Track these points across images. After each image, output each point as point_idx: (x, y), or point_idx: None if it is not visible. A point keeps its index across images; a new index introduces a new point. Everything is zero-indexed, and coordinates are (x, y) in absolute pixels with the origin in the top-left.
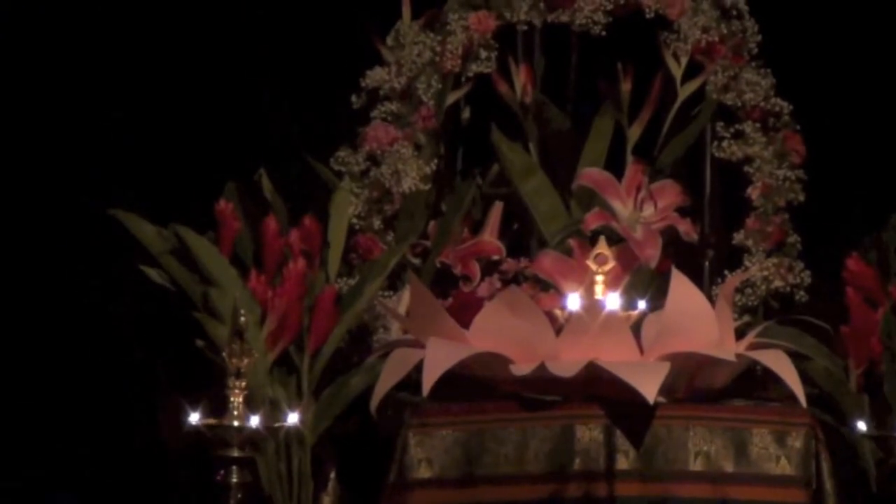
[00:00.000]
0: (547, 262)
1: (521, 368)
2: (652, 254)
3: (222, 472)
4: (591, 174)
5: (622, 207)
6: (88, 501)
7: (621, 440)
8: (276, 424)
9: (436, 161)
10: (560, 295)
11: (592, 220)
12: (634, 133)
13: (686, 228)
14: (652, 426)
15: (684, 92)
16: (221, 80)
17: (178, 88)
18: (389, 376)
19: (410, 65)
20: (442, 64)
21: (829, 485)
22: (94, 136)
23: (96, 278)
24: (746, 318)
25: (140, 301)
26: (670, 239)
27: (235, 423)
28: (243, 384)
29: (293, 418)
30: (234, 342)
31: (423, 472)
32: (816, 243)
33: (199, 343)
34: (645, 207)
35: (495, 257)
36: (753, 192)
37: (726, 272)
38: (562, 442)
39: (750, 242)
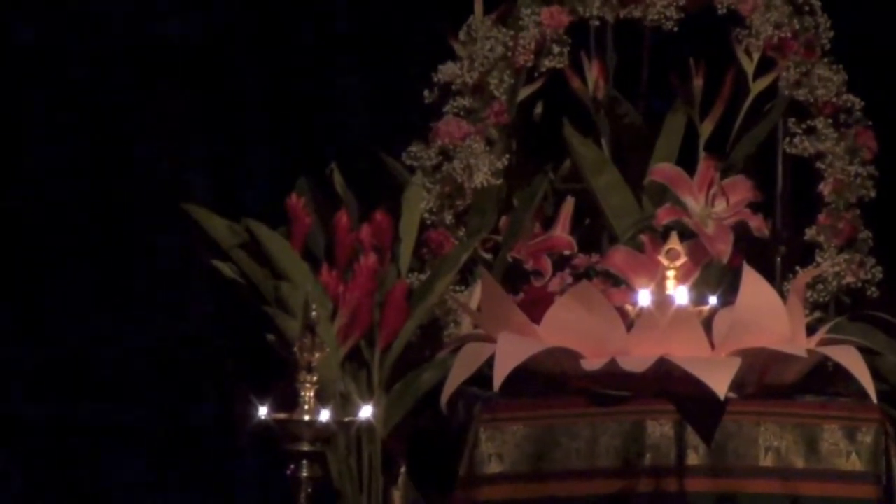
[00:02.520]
0: (618, 257)
1: (592, 364)
2: (723, 249)
3: (292, 466)
4: (662, 170)
5: (694, 203)
6: (158, 496)
7: (692, 436)
8: (347, 419)
9: (507, 156)
10: (631, 290)
11: (664, 216)
12: (706, 129)
13: (757, 224)
14: (722, 422)
15: (756, 88)
16: (295, 74)
17: (251, 83)
18: (460, 371)
19: (483, 60)
20: (514, 59)
21: None
22: (166, 130)
23: (170, 273)
24: (817, 314)
25: (211, 296)
26: (742, 234)
27: (306, 418)
28: (314, 378)
29: (365, 413)
30: (305, 337)
31: (494, 467)
32: (888, 239)
33: (270, 337)
34: (717, 203)
35: (567, 252)
36: (825, 188)
37: (797, 268)
38: (632, 437)
39: (821, 238)
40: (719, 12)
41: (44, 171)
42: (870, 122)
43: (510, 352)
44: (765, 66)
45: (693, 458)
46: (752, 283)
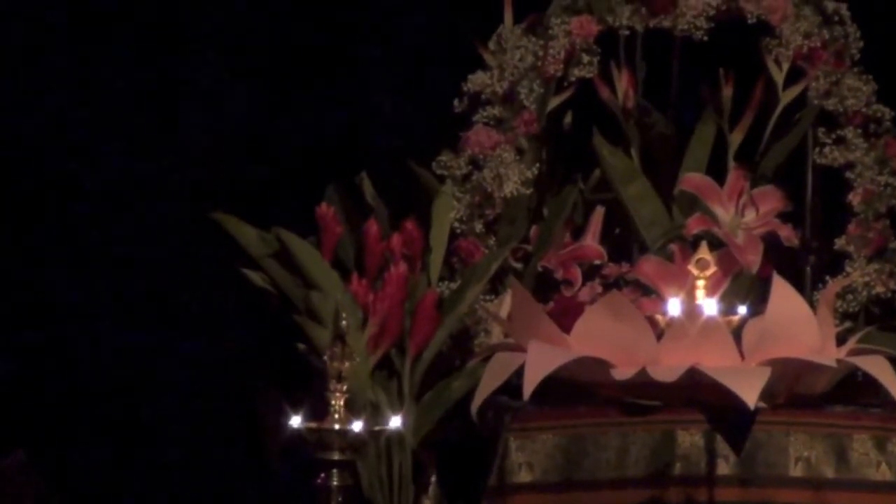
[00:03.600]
0: (648, 266)
1: (622, 373)
2: (753, 259)
3: (323, 475)
4: (692, 179)
5: (724, 213)
6: (187, 503)
7: (722, 445)
8: (378, 428)
9: (538, 165)
10: (661, 300)
11: (694, 225)
12: (736, 138)
13: (787, 234)
14: (752, 431)
15: (786, 97)
16: (324, 83)
17: (281, 91)
18: (490, 380)
19: (512, 69)
20: (544, 68)
21: None
22: (197, 139)
23: (200, 281)
24: (847, 324)
25: (242, 304)
26: (771, 244)
27: (336, 427)
28: (344, 387)
29: (395, 422)
30: (335, 345)
31: (524, 477)
32: None
33: (301, 346)
34: (746, 213)
35: (597, 262)
36: (854, 198)
37: (827, 278)
38: (662, 447)
39: (851, 248)
40: (749, 22)
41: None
42: None
43: (540, 361)
44: (794, 75)
45: (723, 468)
46: (782, 293)
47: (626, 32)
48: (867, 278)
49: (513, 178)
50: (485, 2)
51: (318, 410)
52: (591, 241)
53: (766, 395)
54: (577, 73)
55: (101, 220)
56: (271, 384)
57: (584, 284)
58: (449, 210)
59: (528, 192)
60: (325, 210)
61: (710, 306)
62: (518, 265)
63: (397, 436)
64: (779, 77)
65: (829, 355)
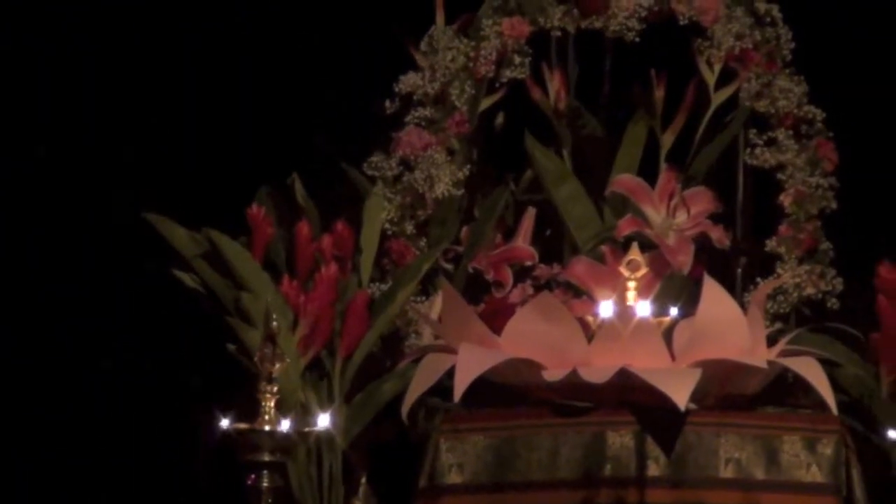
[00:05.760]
0: (579, 268)
1: (553, 374)
2: (684, 260)
3: (253, 476)
4: (624, 181)
5: (655, 214)
6: None
7: (652, 447)
8: (308, 429)
9: (469, 166)
10: (592, 301)
11: (625, 227)
12: (667, 140)
13: (718, 235)
14: (683, 433)
15: (717, 99)
16: (255, 84)
17: (211, 92)
18: (421, 381)
19: (444, 70)
20: (475, 69)
21: (858, 492)
22: (128, 140)
23: (129, 282)
24: (778, 325)
25: (172, 305)
26: (702, 246)
27: (267, 428)
28: (275, 389)
29: (323, 421)
30: (266, 347)
31: (454, 478)
32: (848, 251)
33: (231, 347)
34: (677, 214)
35: (528, 263)
36: (786, 200)
37: (758, 279)
38: (593, 448)
39: (782, 249)
40: (681, 23)
41: None
42: (830, 134)
43: (471, 362)
44: (726, 77)
45: (653, 470)
46: (713, 294)
47: (558, 33)
48: (798, 279)
49: (444, 178)
50: (416, 3)
51: (249, 412)
52: (523, 243)
53: (697, 396)
54: (508, 74)
55: (28, 217)
56: (202, 385)
57: (515, 286)
58: (380, 211)
59: (460, 192)
60: (256, 211)
61: (641, 308)
62: (449, 266)
63: (327, 437)
64: (710, 78)
65: (760, 357)
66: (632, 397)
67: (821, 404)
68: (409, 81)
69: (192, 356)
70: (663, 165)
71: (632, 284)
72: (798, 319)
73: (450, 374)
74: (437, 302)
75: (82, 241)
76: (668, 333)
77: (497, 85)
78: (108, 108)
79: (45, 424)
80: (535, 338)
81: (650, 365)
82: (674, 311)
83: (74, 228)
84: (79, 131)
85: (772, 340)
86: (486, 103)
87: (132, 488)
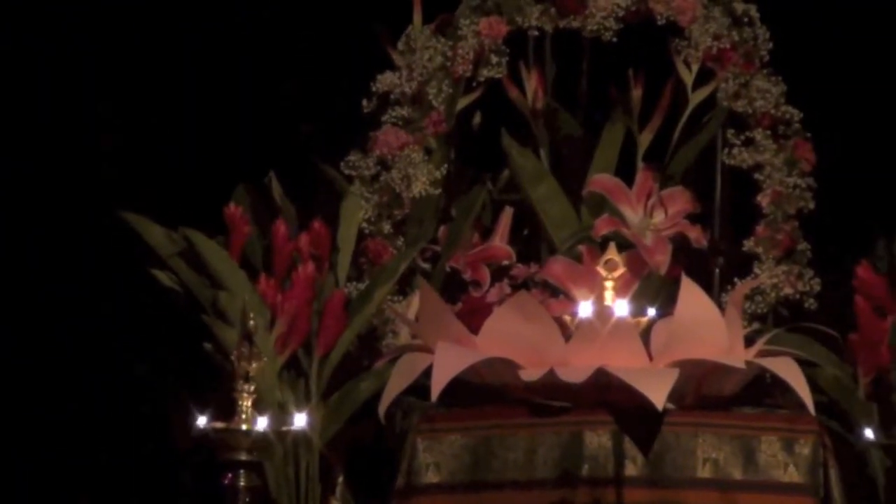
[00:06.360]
0: (557, 267)
1: (531, 374)
2: (661, 260)
3: (230, 475)
4: (601, 180)
5: (632, 214)
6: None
7: (630, 446)
8: (284, 428)
9: (446, 166)
10: (570, 301)
11: (602, 227)
12: (645, 140)
13: (696, 235)
14: (660, 433)
15: (695, 99)
16: (233, 83)
17: (188, 91)
18: (398, 381)
19: (421, 69)
20: (453, 69)
21: (836, 492)
22: (104, 139)
23: (105, 281)
24: (756, 326)
25: (149, 304)
26: (680, 246)
27: (244, 427)
28: (252, 388)
29: (300, 420)
30: (242, 346)
31: (431, 477)
32: (826, 251)
33: (208, 346)
34: (655, 214)
35: (505, 262)
36: (763, 200)
37: (736, 279)
38: (570, 448)
39: (760, 250)
40: (658, 23)
41: None
42: (808, 134)
43: (448, 362)
44: (704, 77)
45: (631, 469)
46: (691, 295)
47: (536, 33)
48: (775, 280)
49: (421, 178)
50: (393, 2)
51: (226, 411)
52: (500, 242)
53: (675, 396)
54: (486, 73)
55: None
56: (180, 384)
57: (492, 285)
58: (357, 210)
59: (437, 192)
60: (234, 210)
61: (619, 307)
62: (426, 266)
63: (304, 436)
64: (688, 78)
65: (738, 357)
66: (609, 397)
67: (798, 405)
68: (386, 81)
69: (168, 355)
70: (641, 165)
71: (609, 284)
72: (776, 320)
73: (427, 373)
74: (415, 301)
75: (56, 239)
76: (645, 333)
77: (474, 84)
78: (82, 103)
79: (17, 425)
80: (512, 337)
81: (628, 365)
82: (651, 311)
83: (48, 226)
84: (58, 128)
85: (749, 341)
86: (463, 103)
87: (110, 489)
